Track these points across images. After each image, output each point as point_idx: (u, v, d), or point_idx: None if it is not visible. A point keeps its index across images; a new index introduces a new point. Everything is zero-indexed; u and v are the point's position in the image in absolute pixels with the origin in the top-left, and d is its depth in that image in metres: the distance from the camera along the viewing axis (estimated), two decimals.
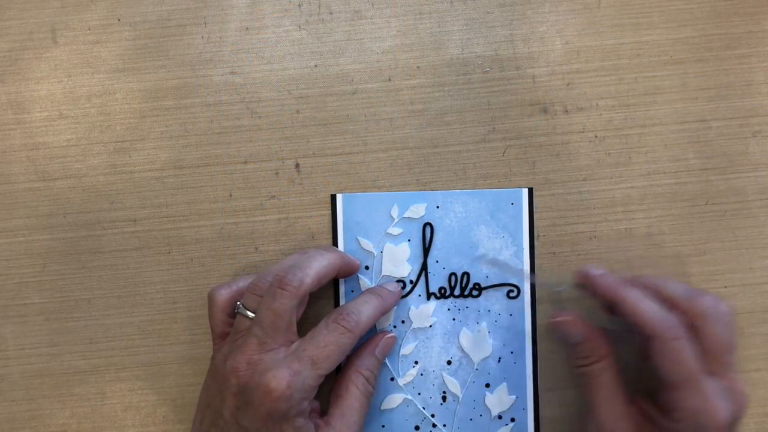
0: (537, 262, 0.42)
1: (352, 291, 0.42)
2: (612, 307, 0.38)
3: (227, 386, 0.36)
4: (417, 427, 0.42)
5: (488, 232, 0.42)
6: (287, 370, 0.35)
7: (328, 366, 0.36)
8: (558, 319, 0.39)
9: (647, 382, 0.39)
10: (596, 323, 0.39)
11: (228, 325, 0.39)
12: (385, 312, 0.40)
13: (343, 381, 0.39)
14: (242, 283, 0.40)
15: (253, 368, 0.35)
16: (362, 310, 0.38)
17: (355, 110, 0.42)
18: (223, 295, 0.39)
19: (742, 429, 0.42)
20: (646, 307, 0.36)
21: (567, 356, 0.41)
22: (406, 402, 0.42)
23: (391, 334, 0.41)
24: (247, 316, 0.37)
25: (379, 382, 0.42)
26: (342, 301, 0.42)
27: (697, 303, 0.36)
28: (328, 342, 0.36)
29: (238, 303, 0.38)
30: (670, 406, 0.35)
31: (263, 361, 0.36)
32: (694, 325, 0.36)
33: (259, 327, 0.36)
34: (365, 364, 0.39)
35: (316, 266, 0.38)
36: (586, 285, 0.39)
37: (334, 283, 0.42)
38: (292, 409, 0.35)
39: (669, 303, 0.37)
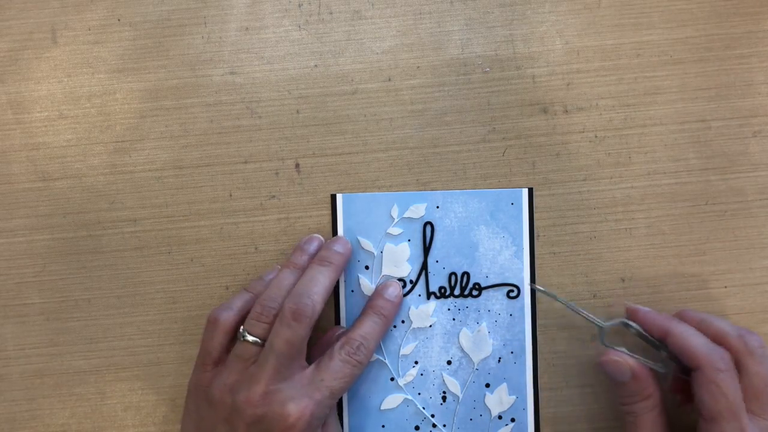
0: (537, 262, 0.42)
1: (352, 291, 0.42)
2: (660, 343, 0.38)
3: (239, 416, 0.36)
4: (417, 427, 0.42)
5: (488, 232, 0.42)
6: (309, 400, 0.36)
7: (341, 395, 0.38)
8: (607, 358, 0.39)
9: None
10: (643, 363, 0.39)
11: (226, 350, 0.39)
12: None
13: None
14: (240, 303, 0.40)
15: (271, 398, 0.36)
16: (371, 339, 0.39)
17: (355, 110, 0.42)
18: (229, 318, 0.39)
19: None
20: (694, 340, 0.37)
21: (616, 393, 0.40)
22: (406, 402, 0.42)
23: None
24: (250, 343, 0.37)
25: (379, 382, 0.42)
26: (342, 302, 0.42)
27: (746, 341, 0.37)
28: (345, 374, 0.38)
29: (242, 330, 0.38)
30: None
31: (281, 391, 0.36)
32: (740, 363, 0.36)
33: (274, 356, 0.36)
34: None
35: (322, 291, 0.38)
36: (636, 320, 0.40)
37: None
38: None
39: (716, 338, 0.37)
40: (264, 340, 0.37)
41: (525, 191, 0.42)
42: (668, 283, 0.42)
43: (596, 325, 0.39)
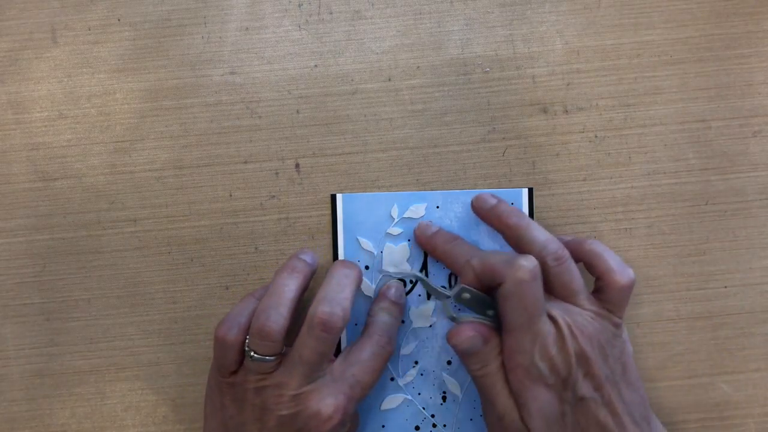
0: None
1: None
2: (491, 296, 0.37)
3: (271, 415, 0.36)
4: (417, 427, 0.42)
5: (488, 232, 0.42)
6: (342, 397, 0.36)
7: (371, 388, 0.38)
8: (462, 336, 0.36)
9: None
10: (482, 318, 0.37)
11: (241, 361, 0.37)
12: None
13: None
14: (245, 316, 0.38)
15: (303, 398, 0.36)
16: (393, 331, 0.39)
17: (355, 110, 0.42)
18: (239, 338, 0.37)
19: (742, 429, 0.42)
20: (494, 258, 0.36)
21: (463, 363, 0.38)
22: (406, 402, 0.42)
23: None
24: (267, 362, 0.36)
25: (379, 382, 0.42)
26: None
27: (545, 254, 0.37)
28: (376, 368, 0.38)
29: (252, 353, 0.36)
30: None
31: (313, 391, 0.36)
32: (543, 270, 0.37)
33: (303, 366, 0.36)
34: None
35: (350, 297, 0.37)
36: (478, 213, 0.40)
37: None
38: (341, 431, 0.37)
39: (524, 251, 0.38)
40: (275, 355, 0.36)
41: (525, 191, 0.42)
42: (668, 283, 0.42)
43: (445, 296, 0.38)
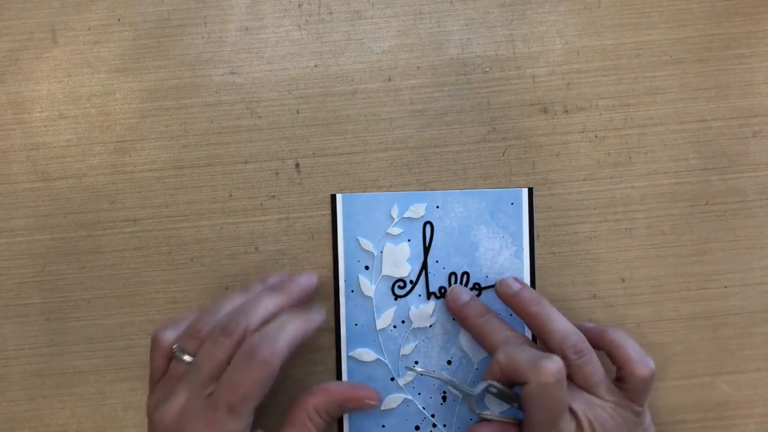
0: (537, 262, 0.42)
1: (352, 291, 0.42)
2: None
3: None
4: (417, 427, 0.42)
5: (488, 232, 0.42)
6: (202, 423, 0.33)
7: (248, 408, 0.34)
8: None
9: None
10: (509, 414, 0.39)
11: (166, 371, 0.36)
12: (307, 334, 0.36)
13: (297, 413, 0.36)
14: (185, 322, 0.37)
15: (180, 419, 0.33)
16: (278, 337, 0.34)
17: (355, 110, 0.42)
18: (169, 337, 0.36)
19: (742, 429, 0.42)
20: (520, 356, 0.36)
21: None
22: (406, 402, 0.42)
23: (372, 401, 0.38)
24: (183, 361, 0.35)
25: (379, 382, 0.42)
26: (342, 303, 0.42)
27: (564, 348, 0.37)
28: (242, 380, 0.33)
29: (175, 346, 0.36)
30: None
31: (188, 413, 0.33)
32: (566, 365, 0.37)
33: (196, 372, 0.34)
34: (325, 407, 0.36)
35: (264, 313, 0.36)
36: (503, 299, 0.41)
37: (334, 282, 0.42)
38: None
39: (547, 343, 0.39)
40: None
41: (525, 191, 0.42)
42: (668, 283, 0.42)
43: (467, 393, 0.38)
